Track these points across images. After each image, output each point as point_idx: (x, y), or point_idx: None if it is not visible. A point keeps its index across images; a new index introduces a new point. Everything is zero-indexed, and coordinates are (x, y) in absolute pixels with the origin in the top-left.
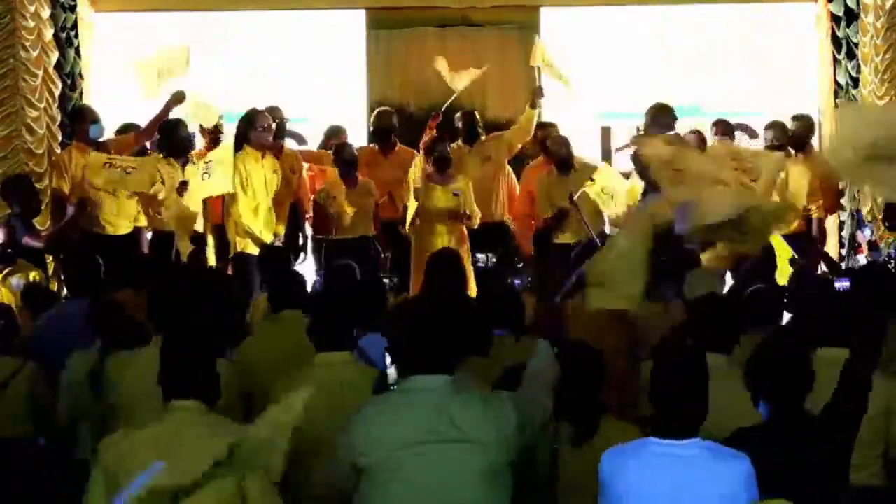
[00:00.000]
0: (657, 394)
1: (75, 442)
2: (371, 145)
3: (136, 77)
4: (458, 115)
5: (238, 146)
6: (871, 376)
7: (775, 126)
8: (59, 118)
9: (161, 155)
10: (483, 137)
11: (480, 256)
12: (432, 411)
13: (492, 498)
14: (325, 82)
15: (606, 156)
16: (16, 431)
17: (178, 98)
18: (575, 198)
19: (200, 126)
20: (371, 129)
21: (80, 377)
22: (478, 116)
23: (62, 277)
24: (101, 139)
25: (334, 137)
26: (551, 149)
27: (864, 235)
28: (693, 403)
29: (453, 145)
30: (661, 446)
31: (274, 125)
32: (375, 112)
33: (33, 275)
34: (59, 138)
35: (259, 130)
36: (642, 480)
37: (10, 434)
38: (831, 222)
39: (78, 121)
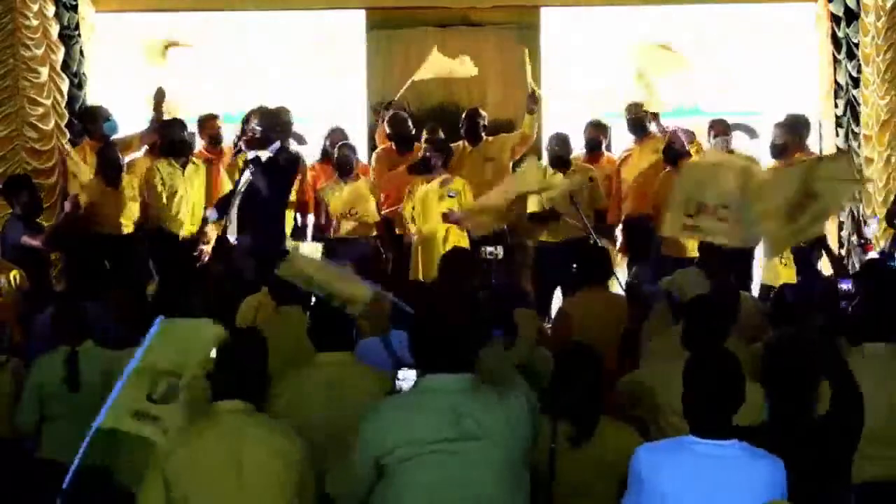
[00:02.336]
0: (696, 396)
1: (37, 443)
2: (389, 145)
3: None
4: (463, 114)
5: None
6: (851, 377)
7: (785, 125)
8: (67, 116)
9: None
10: (487, 138)
11: (489, 249)
12: (448, 410)
13: (511, 494)
14: (325, 82)
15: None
16: (1, 431)
17: (160, 94)
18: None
19: (200, 126)
20: (388, 132)
21: (52, 379)
22: (483, 114)
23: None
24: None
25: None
26: (547, 146)
27: (872, 230)
28: (733, 404)
29: (457, 144)
30: (702, 445)
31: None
32: (390, 115)
33: (13, 274)
34: (68, 136)
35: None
36: (686, 479)
37: None
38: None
39: (91, 120)
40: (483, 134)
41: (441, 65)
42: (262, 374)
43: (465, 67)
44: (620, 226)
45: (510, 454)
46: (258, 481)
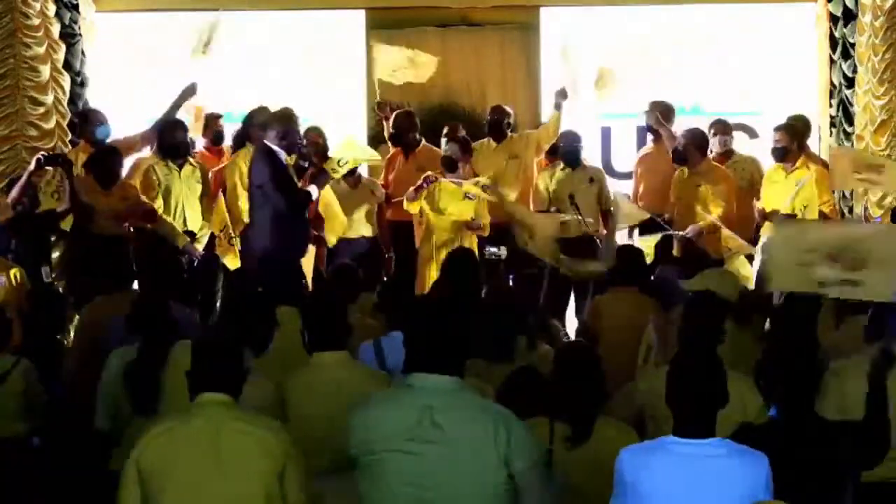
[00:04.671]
0: (678, 396)
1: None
2: (394, 148)
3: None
4: (489, 110)
5: (240, 144)
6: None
7: (785, 128)
8: (68, 115)
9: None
10: (512, 135)
11: (493, 249)
12: (418, 410)
13: (475, 498)
14: (325, 82)
15: (606, 156)
16: (9, 431)
17: (191, 91)
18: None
19: (203, 128)
20: (391, 132)
21: (115, 377)
22: (510, 111)
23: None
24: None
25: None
26: (561, 142)
27: None
28: (714, 404)
29: (482, 141)
30: (683, 445)
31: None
32: (395, 114)
33: (13, 272)
34: (70, 135)
35: (256, 130)
36: (667, 479)
37: (3, 434)
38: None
39: (85, 122)
40: (508, 131)
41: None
42: (240, 367)
43: None
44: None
45: (477, 464)
46: (237, 473)
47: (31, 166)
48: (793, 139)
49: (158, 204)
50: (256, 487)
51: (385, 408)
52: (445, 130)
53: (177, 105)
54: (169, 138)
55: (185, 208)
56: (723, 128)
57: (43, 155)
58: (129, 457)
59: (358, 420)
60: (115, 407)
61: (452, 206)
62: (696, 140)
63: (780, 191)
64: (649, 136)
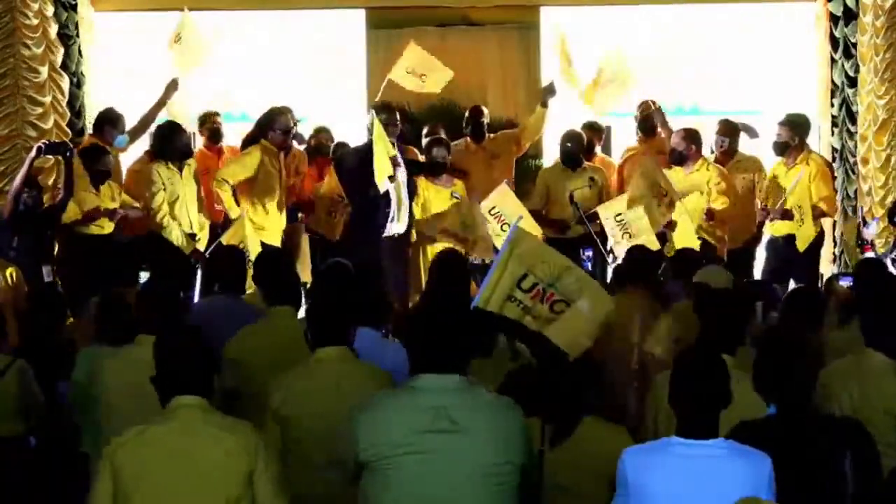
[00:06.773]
0: (680, 396)
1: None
2: None
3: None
4: (467, 111)
5: (254, 140)
6: None
7: (786, 123)
8: (68, 115)
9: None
10: (491, 135)
11: None
12: (432, 409)
13: (491, 496)
14: (325, 82)
15: (606, 155)
16: (5, 430)
17: (174, 86)
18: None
19: (200, 123)
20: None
21: (81, 374)
22: (485, 111)
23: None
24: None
25: (321, 135)
26: (562, 142)
27: (871, 232)
28: (717, 405)
29: (460, 141)
30: (685, 446)
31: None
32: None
33: (9, 271)
34: (70, 135)
35: (276, 132)
36: (668, 479)
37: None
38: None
39: (113, 126)
40: (486, 132)
41: (417, 61)
42: (210, 367)
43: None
44: None
45: (492, 454)
46: (207, 478)
47: (32, 153)
48: (794, 134)
49: (165, 209)
50: (225, 492)
51: (392, 411)
52: (427, 134)
53: (162, 101)
54: (174, 141)
55: (189, 210)
56: (723, 128)
57: (45, 143)
58: (103, 455)
59: (363, 425)
60: (85, 405)
61: (439, 207)
62: (694, 139)
63: (780, 187)
64: (632, 135)
